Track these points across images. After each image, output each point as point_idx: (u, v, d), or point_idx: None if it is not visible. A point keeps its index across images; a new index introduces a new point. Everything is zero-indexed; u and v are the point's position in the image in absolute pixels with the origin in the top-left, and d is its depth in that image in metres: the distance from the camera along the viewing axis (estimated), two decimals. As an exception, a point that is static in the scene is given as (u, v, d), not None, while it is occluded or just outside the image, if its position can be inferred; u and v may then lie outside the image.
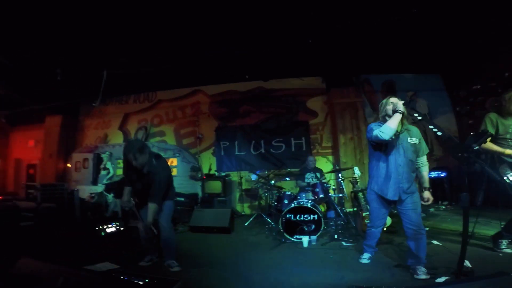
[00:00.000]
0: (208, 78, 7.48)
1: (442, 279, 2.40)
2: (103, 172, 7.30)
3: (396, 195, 2.58)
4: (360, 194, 4.45)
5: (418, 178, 2.77)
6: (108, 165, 7.36)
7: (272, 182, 5.21)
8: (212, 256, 3.48)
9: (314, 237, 3.92)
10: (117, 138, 8.37)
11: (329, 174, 5.92)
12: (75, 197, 5.59)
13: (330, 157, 7.12)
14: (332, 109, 6.94)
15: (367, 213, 4.23)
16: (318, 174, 5.39)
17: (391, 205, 2.78)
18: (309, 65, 6.74)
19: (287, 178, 5.33)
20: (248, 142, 7.43)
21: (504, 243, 3.03)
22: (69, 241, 3.84)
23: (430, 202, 2.72)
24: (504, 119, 2.95)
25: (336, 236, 3.98)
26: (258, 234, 4.57)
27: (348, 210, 5.35)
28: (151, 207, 2.79)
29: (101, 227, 3.97)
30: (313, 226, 4.05)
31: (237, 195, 7.23)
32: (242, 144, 7.46)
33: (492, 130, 2.94)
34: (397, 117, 2.46)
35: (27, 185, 7.21)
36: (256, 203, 6.50)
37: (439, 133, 2.77)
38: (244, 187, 7.03)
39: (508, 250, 2.99)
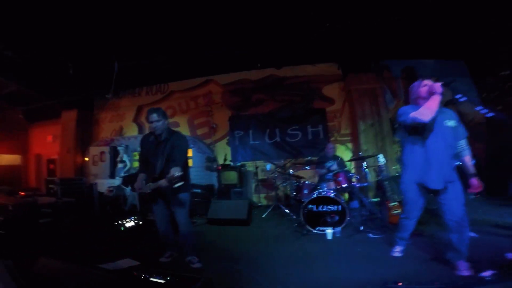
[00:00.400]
0: (219, 67, 7.30)
1: (487, 274, 2.18)
2: (120, 165, 7.32)
3: (440, 183, 2.33)
4: (386, 183, 4.22)
5: (462, 164, 2.52)
6: (125, 157, 7.38)
7: (291, 171, 5.01)
8: (232, 251, 3.37)
9: (338, 229, 3.74)
10: (132, 131, 8.37)
11: (349, 162, 5.66)
12: (94, 191, 5.61)
13: (349, 145, 6.84)
14: (350, 95, 6.63)
15: (395, 203, 4.01)
16: (338, 162, 5.16)
17: (430, 194, 2.54)
18: (322, 51, 6.40)
19: (307, 167, 5.11)
20: (262, 131, 7.25)
21: None
22: (89, 237, 3.83)
23: (480, 189, 2.46)
24: None
25: (361, 228, 3.78)
26: (277, 226, 4.44)
27: (372, 200, 5.10)
28: (174, 171, 2.42)
29: (120, 222, 3.94)
30: (337, 217, 3.85)
31: (253, 185, 7.11)
32: (256, 133, 7.29)
33: None
34: (437, 98, 2.21)
35: (48, 180, 7.34)
36: (273, 193, 6.36)
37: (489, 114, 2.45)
38: (260, 177, 6.88)
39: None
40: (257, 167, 6.86)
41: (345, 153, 6.69)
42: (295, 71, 7.24)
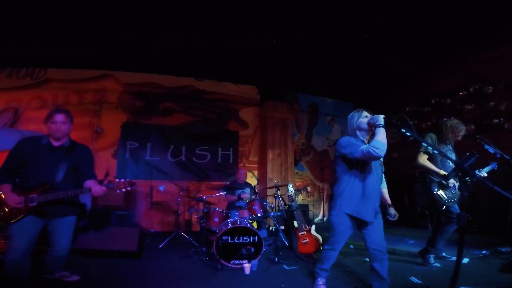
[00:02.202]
0: (124, 63, 6.11)
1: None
2: None
3: (373, 216, 2.34)
4: (296, 212, 4.19)
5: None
6: None
7: (203, 197, 4.31)
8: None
9: (255, 262, 3.29)
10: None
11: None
12: None
13: (256, 172, 6.77)
14: (264, 122, 6.71)
15: (303, 232, 3.99)
16: (248, 189, 4.89)
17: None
18: (246, 73, 6.46)
19: (223, 192, 4.53)
20: (165, 147, 6.26)
21: (431, 258, 3.22)
22: None
23: (397, 217, 2.67)
24: (439, 143, 3.25)
25: (276, 260, 3.48)
26: (181, 259, 3.57)
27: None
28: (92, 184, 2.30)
29: None
30: (253, 249, 3.43)
31: (144, 208, 5.87)
32: (156, 148, 6.22)
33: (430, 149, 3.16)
34: (383, 131, 2.24)
35: None
36: (171, 219, 5.36)
37: (434, 151, 2.71)
38: (155, 199, 5.76)
39: (437, 264, 3.17)
40: (151, 188, 5.74)
41: (250, 180, 6.54)
42: (216, 86, 6.84)
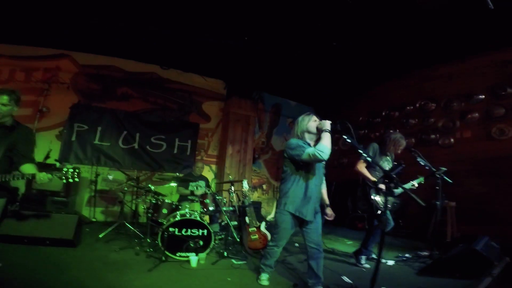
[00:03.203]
0: (84, 43, 5.70)
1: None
2: None
3: (313, 216, 2.50)
4: (248, 208, 4.26)
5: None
6: None
7: (152, 187, 4.14)
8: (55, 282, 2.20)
9: (203, 255, 3.29)
10: None
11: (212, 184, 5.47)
12: None
13: (214, 167, 6.72)
14: (226, 117, 6.68)
15: (253, 228, 4.07)
16: (203, 183, 4.84)
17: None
18: (215, 67, 6.37)
19: (173, 183, 4.39)
20: (117, 132, 5.90)
21: (363, 259, 3.51)
22: None
23: (333, 217, 2.93)
24: (380, 153, 3.56)
25: (225, 254, 3.51)
26: (123, 249, 3.40)
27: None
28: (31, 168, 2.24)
29: None
30: (201, 242, 3.41)
31: (86, 196, 5.46)
32: (107, 133, 5.85)
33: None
34: (329, 136, 2.38)
35: None
36: (116, 208, 5.06)
37: (368, 159, 2.90)
38: (100, 187, 5.40)
39: (367, 266, 3.48)
40: (97, 174, 5.37)
41: (207, 174, 6.48)
42: (181, 77, 6.64)
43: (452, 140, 5.22)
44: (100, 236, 3.83)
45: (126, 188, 4.65)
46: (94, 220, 5.23)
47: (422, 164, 3.59)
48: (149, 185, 4.17)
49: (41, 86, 5.60)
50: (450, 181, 3.59)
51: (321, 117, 2.62)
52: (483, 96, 4.91)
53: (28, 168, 2.22)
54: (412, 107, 5.93)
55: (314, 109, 8.26)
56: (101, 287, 2.33)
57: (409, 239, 4.93)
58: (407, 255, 3.90)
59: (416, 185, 3.47)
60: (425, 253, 3.94)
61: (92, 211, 5.32)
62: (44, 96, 5.57)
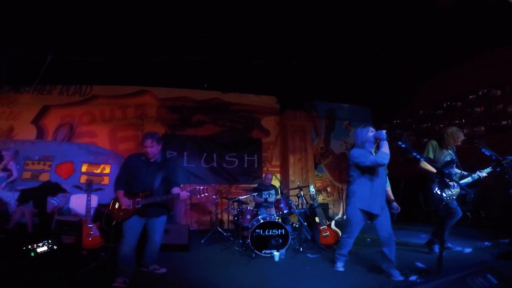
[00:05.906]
0: (159, 79, 6.94)
1: (414, 278, 2.79)
2: (1, 174, 5.75)
3: (380, 210, 2.97)
4: (317, 209, 4.80)
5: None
6: (11, 165, 5.87)
7: (239, 198, 5.12)
8: (186, 279, 3.08)
9: (283, 251, 3.97)
10: (28, 134, 6.74)
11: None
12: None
13: (278, 175, 7.44)
14: (284, 130, 7.36)
15: (324, 226, 4.59)
16: (274, 191, 5.58)
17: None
18: (266, 85, 7.11)
19: (254, 194, 5.32)
20: (199, 154, 7.10)
21: (436, 247, 3.71)
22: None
23: (399, 210, 3.39)
24: (440, 149, 3.74)
25: (301, 249, 4.13)
26: (222, 250, 4.32)
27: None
28: (178, 191, 2.92)
29: (30, 247, 3.06)
30: (280, 240, 4.10)
31: (182, 209, 6.72)
32: (192, 156, 7.07)
33: (431, 155, 3.67)
34: (387, 144, 2.87)
35: None
36: (206, 218, 6.16)
37: (422, 159, 3.26)
38: (192, 201, 6.60)
39: (442, 252, 3.68)
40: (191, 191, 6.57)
41: (274, 182, 7.22)
42: (240, 98, 7.58)
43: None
44: (202, 242, 4.86)
45: (216, 200, 5.69)
46: (191, 229, 6.39)
47: (488, 154, 3.63)
48: (233, 196, 5.11)
49: (137, 122, 6.98)
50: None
51: (378, 117, 3.14)
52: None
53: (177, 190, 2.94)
54: (474, 96, 5.74)
55: (371, 109, 8.34)
56: (219, 279, 3.00)
57: (492, 229, 4.77)
58: (486, 243, 3.94)
59: (484, 175, 3.53)
60: (506, 241, 3.91)
61: (188, 222, 6.52)
62: (140, 130, 6.91)
